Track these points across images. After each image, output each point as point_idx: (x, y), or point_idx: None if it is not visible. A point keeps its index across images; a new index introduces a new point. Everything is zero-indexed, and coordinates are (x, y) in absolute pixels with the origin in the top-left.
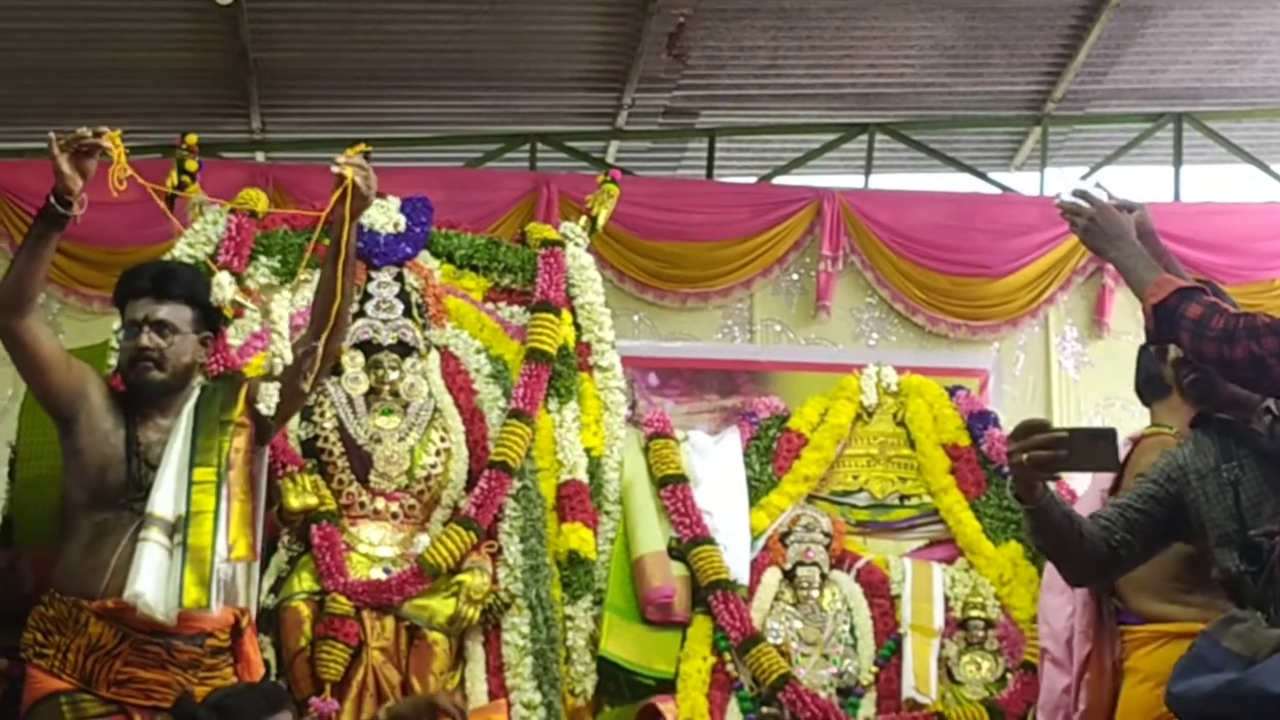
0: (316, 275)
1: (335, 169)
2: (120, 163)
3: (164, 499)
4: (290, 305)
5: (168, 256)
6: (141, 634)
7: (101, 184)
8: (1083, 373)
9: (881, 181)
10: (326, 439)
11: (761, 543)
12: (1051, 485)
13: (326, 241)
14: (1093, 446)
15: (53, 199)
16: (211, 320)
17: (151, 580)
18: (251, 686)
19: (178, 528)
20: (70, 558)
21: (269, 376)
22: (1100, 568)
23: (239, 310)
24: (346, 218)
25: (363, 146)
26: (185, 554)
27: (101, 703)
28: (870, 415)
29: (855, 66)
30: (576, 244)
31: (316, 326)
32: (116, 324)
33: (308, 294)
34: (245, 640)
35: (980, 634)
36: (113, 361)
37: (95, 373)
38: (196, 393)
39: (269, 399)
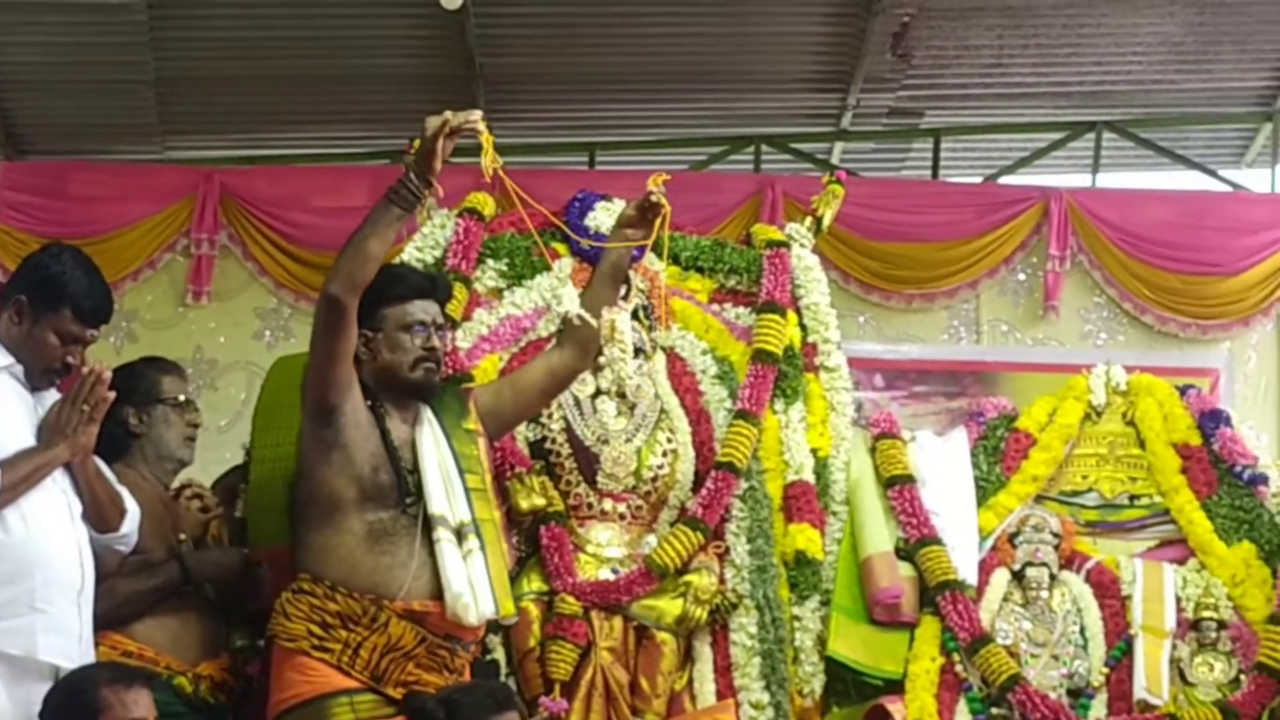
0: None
1: (654, 197)
2: (490, 152)
3: (441, 502)
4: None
5: (397, 260)
6: (437, 638)
7: (333, 191)
8: None
9: (1109, 180)
10: (554, 440)
11: (990, 543)
12: None
13: (555, 245)
14: None
15: (415, 178)
16: None
17: (465, 584)
18: (479, 685)
19: (463, 534)
20: (350, 555)
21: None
22: None
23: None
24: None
25: (664, 176)
26: (487, 562)
27: (383, 703)
28: (1099, 415)
29: (1082, 64)
30: (802, 245)
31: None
32: None
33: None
34: None
35: (1213, 635)
36: None
37: None
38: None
39: None
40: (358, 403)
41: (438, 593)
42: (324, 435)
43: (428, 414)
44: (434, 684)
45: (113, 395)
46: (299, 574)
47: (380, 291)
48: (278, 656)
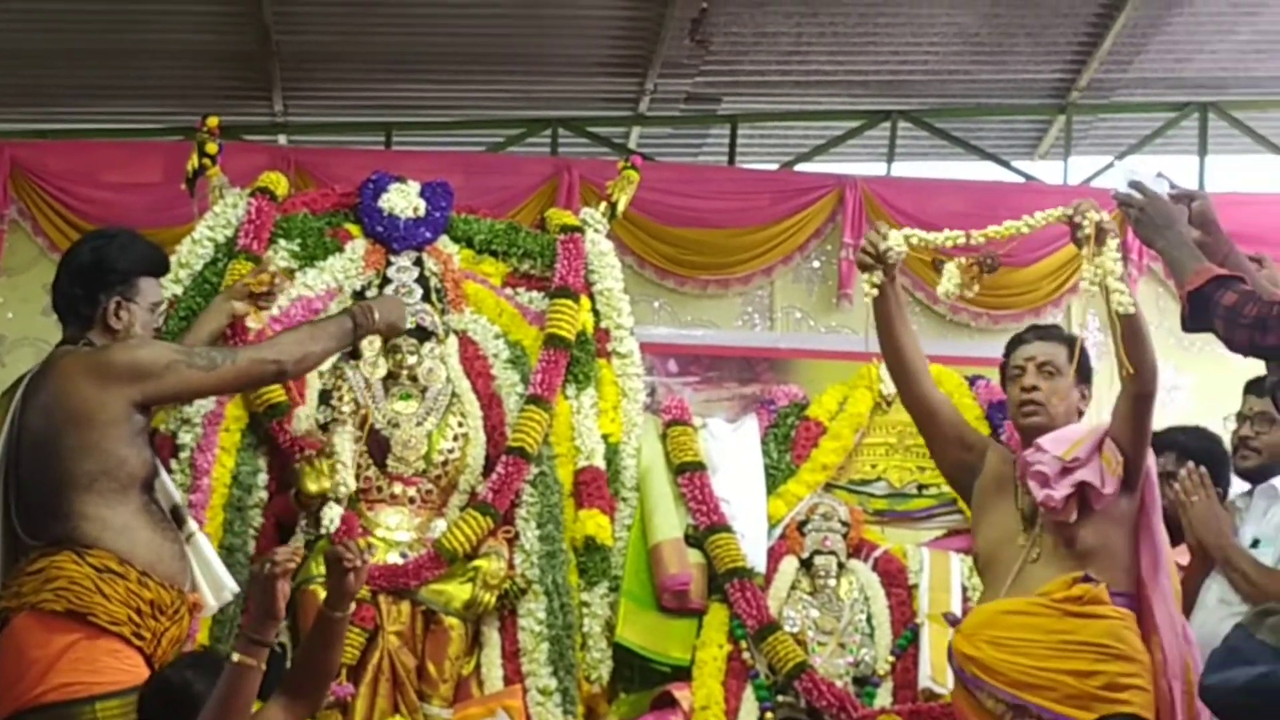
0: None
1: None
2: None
3: (174, 489)
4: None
5: (188, 239)
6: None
7: (125, 167)
8: (1104, 361)
9: (904, 169)
10: (344, 423)
11: (779, 531)
12: None
13: (348, 226)
14: None
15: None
16: None
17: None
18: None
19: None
20: (152, 539)
21: None
22: None
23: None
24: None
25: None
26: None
27: None
28: (889, 404)
29: (878, 53)
30: (596, 230)
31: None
32: None
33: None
34: None
35: None
36: None
37: None
38: None
39: None
40: None
41: (193, 585)
42: (137, 420)
43: None
44: None
45: None
46: (89, 547)
47: (144, 260)
48: (85, 634)
